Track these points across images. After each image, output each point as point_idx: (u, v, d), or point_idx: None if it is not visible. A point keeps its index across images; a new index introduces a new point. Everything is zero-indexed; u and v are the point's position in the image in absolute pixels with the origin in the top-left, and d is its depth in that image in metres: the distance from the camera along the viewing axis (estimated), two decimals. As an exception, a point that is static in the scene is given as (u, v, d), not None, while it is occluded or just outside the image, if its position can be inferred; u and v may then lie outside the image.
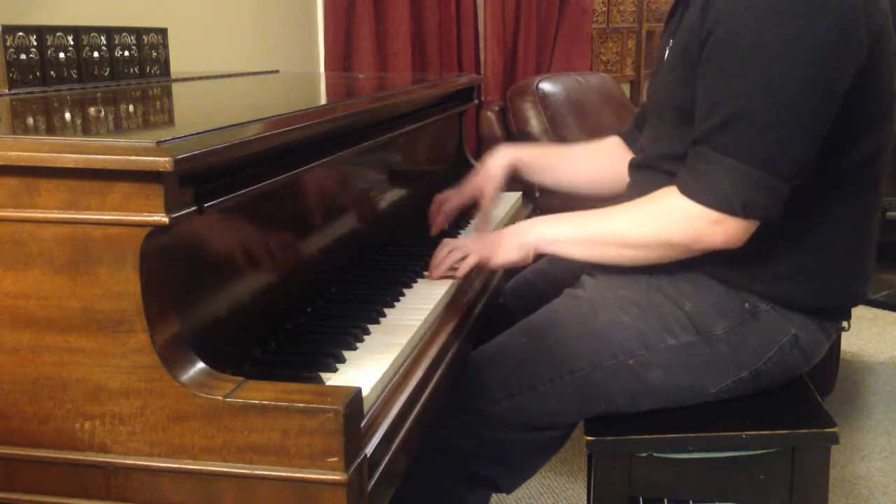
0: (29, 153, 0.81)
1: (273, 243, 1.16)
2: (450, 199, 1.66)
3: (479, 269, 1.39)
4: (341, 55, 2.96)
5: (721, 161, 1.18)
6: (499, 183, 1.63)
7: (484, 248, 1.36)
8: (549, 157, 1.70)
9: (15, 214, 0.83)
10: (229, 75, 1.96)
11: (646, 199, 1.28)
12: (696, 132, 1.22)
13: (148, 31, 1.65)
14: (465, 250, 1.36)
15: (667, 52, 1.35)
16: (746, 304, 1.30)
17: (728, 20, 1.16)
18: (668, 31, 1.38)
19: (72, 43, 1.46)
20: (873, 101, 1.23)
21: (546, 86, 2.98)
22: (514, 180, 1.69)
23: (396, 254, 1.51)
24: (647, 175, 1.39)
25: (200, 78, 1.80)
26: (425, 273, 1.39)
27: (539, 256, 1.42)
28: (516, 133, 2.95)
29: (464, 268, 1.35)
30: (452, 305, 1.30)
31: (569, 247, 1.33)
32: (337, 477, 0.81)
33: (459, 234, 1.67)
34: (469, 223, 1.73)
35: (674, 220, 1.23)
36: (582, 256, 1.34)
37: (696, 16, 1.22)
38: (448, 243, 1.40)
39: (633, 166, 1.46)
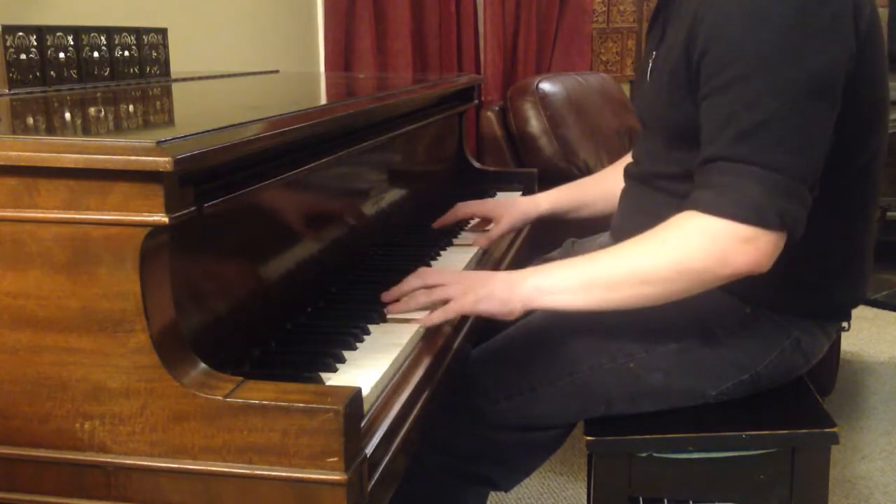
0: (29, 153, 0.81)
1: (273, 243, 1.16)
2: (469, 207, 1.66)
3: (451, 322, 1.22)
4: (341, 55, 2.96)
5: (747, 171, 1.09)
6: (522, 222, 1.64)
7: (463, 292, 1.18)
8: (583, 193, 1.67)
9: (15, 214, 0.83)
10: (229, 75, 1.96)
11: (660, 227, 1.15)
12: (706, 151, 1.14)
13: (148, 31, 1.65)
14: (441, 293, 1.19)
15: (650, 64, 1.34)
16: (748, 309, 1.29)
17: (724, 35, 1.12)
18: (651, 42, 1.36)
19: (72, 43, 1.46)
20: (867, 106, 1.22)
21: (546, 86, 2.97)
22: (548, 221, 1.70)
23: (396, 254, 1.51)
24: (641, 190, 1.38)
25: (200, 78, 1.80)
26: (383, 296, 1.22)
27: (528, 312, 1.24)
28: (516, 133, 2.95)
29: (435, 318, 1.17)
30: (452, 305, 1.30)
31: (572, 296, 1.16)
32: (337, 477, 0.81)
33: (460, 235, 1.66)
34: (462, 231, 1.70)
35: (696, 242, 1.10)
36: (590, 305, 1.16)
37: (682, 36, 1.19)
38: (423, 275, 1.23)
39: (629, 175, 1.45)
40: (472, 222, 1.71)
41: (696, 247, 1.11)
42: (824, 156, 1.13)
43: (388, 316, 1.18)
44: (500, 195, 1.99)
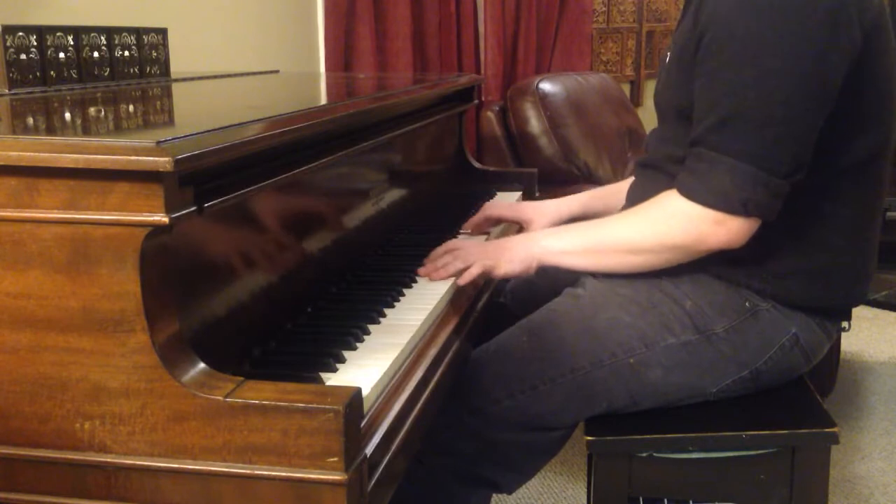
0: (29, 153, 0.81)
1: (273, 243, 1.16)
2: (499, 209, 1.67)
3: (482, 277, 1.38)
4: (341, 55, 2.95)
5: (720, 160, 1.18)
6: (552, 225, 1.64)
7: (487, 258, 1.35)
8: (612, 197, 1.67)
9: (15, 214, 0.83)
10: (229, 75, 1.96)
11: (646, 204, 1.28)
12: (693, 133, 1.22)
13: (148, 31, 1.65)
14: (468, 258, 1.36)
15: (668, 56, 1.36)
16: (747, 303, 1.29)
17: (720, 19, 1.16)
18: (673, 40, 1.39)
19: (72, 43, 1.46)
20: (872, 99, 1.23)
21: (546, 86, 2.98)
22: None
23: (396, 254, 1.51)
24: (651, 175, 1.39)
25: (200, 78, 1.80)
26: (420, 271, 1.37)
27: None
28: (516, 133, 2.96)
29: (466, 277, 1.34)
30: (453, 305, 1.30)
31: (574, 258, 1.33)
32: (337, 477, 0.81)
33: (459, 235, 1.66)
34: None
35: (676, 222, 1.23)
36: (588, 266, 1.34)
37: (690, 19, 1.23)
38: (450, 245, 1.40)
39: (639, 165, 1.46)
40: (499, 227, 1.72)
41: (675, 226, 1.24)
42: (809, 145, 1.17)
43: (421, 272, 1.37)
44: (500, 195, 1.99)
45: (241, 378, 0.85)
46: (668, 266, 1.29)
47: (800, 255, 1.27)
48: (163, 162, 0.79)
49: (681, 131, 1.29)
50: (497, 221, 1.69)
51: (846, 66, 1.15)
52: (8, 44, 1.33)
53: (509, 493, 1.50)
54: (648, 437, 1.29)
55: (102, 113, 1.20)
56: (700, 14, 1.20)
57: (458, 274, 1.35)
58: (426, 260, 1.40)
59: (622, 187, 1.69)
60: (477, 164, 2.14)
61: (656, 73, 1.47)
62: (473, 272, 1.35)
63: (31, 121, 1.10)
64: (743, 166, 1.17)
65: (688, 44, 1.24)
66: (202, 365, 0.86)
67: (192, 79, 1.76)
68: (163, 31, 1.70)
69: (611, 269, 1.33)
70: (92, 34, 1.51)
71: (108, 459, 0.85)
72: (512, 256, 1.35)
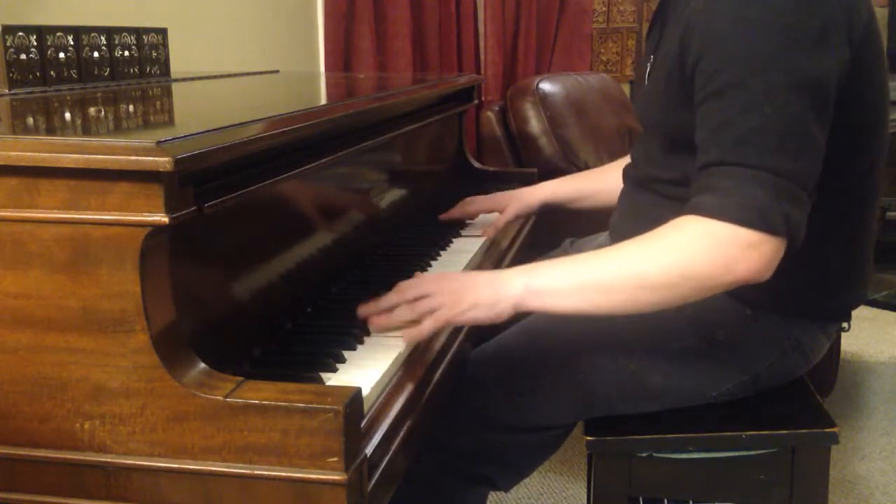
0: (29, 153, 0.81)
1: (273, 243, 1.16)
2: (475, 203, 1.73)
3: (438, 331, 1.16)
4: (341, 55, 2.96)
5: (749, 175, 1.06)
6: (525, 210, 1.70)
7: (445, 304, 1.12)
8: (587, 184, 1.70)
9: (15, 214, 0.83)
10: (229, 75, 1.96)
11: (660, 229, 1.11)
12: (704, 157, 1.11)
13: (148, 31, 1.65)
14: (426, 305, 1.12)
15: (648, 67, 1.34)
16: (748, 310, 1.29)
17: (716, 42, 1.11)
18: (650, 45, 1.36)
19: (72, 43, 1.46)
20: (868, 110, 1.22)
21: (546, 86, 2.97)
22: (551, 212, 1.74)
23: (396, 254, 1.51)
24: (639, 193, 1.38)
25: (200, 78, 1.80)
26: (360, 310, 1.15)
27: (521, 315, 1.21)
28: (516, 133, 2.95)
29: (415, 335, 1.11)
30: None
31: (564, 298, 1.11)
32: (337, 477, 0.81)
33: (460, 232, 1.67)
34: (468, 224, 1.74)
35: (699, 246, 1.06)
36: (585, 308, 1.11)
37: (675, 40, 1.18)
38: (402, 289, 1.15)
39: (627, 177, 1.45)
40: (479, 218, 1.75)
41: (700, 251, 1.06)
42: (821, 161, 1.11)
43: (373, 331, 1.13)
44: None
45: (241, 378, 0.85)
46: (684, 302, 1.11)
47: (800, 264, 1.24)
48: (163, 162, 0.79)
49: (670, 158, 1.27)
50: (475, 216, 1.73)
51: (840, 81, 1.13)
52: (8, 44, 1.33)
53: (506, 490, 1.50)
54: (648, 437, 1.29)
55: (102, 113, 1.20)
56: (690, 37, 1.14)
57: (406, 325, 1.12)
58: (372, 303, 1.15)
59: (598, 173, 1.74)
60: (477, 164, 2.14)
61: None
62: (425, 329, 1.11)
63: (31, 121, 1.10)
64: (777, 179, 1.05)
65: (673, 69, 1.19)
66: (202, 365, 0.86)
67: (192, 79, 1.76)
68: (163, 31, 1.70)
69: (614, 311, 1.11)
70: (92, 34, 1.51)
71: (108, 459, 0.85)
72: (477, 299, 1.12)
